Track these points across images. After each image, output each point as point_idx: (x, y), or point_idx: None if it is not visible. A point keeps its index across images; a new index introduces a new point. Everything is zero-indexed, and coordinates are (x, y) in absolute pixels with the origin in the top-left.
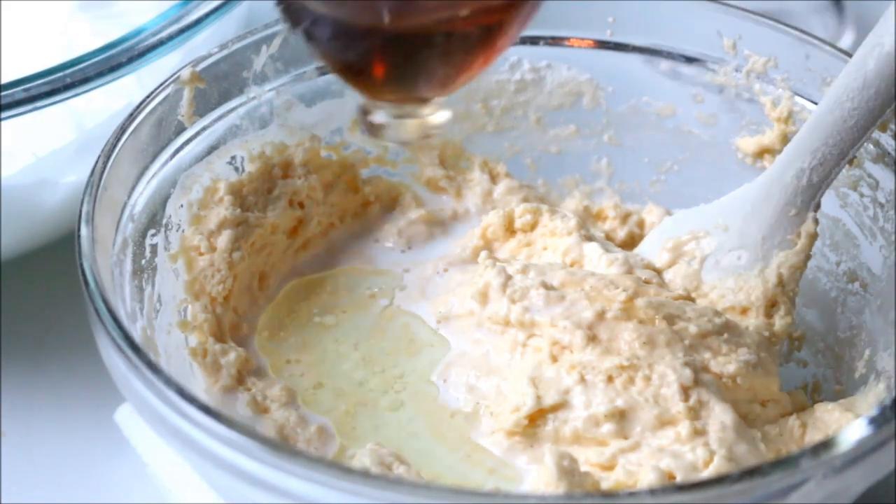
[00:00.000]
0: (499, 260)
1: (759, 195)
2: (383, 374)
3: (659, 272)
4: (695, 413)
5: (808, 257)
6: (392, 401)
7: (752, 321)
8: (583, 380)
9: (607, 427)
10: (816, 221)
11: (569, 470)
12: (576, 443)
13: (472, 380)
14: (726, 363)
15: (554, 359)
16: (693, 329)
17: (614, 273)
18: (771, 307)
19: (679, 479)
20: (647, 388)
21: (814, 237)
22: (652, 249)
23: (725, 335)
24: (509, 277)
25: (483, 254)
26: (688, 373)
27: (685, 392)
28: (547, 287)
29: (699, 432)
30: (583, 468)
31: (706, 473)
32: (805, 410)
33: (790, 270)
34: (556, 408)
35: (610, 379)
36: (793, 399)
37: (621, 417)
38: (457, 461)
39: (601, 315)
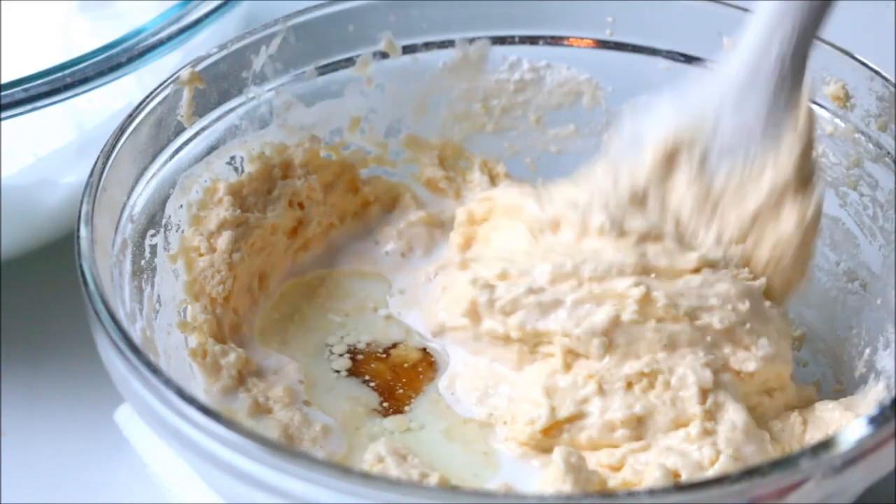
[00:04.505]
0: (469, 260)
1: (743, 87)
2: None
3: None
4: (710, 415)
5: (812, 139)
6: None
7: (787, 211)
8: (601, 389)
9: (622, 432)
10: (807, 103)
11: (576, 466)
12: (591, 449)
13: (480, 391)
14: (746, 360)
15: (568, 367)
16: (717, 325)
17: (607, 246)
18: (802, 186)
19: (684, 477)
20: (665, 392)
21: (812, 117)
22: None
23: (748, 325)
24: (492, 289)
25: (437, 268)
26: (708, 375)
27: (703, 395)
28: (535, 291)
29: (709, 432)
30: (592, 468)
31: (711, 472)
32: (808, 406)
33: (802, 151)
34: (571, 419)
35: (629, 385)
36: (801, 392)
37: (638, 423)
38: (468, 457)
39: (616, 320)
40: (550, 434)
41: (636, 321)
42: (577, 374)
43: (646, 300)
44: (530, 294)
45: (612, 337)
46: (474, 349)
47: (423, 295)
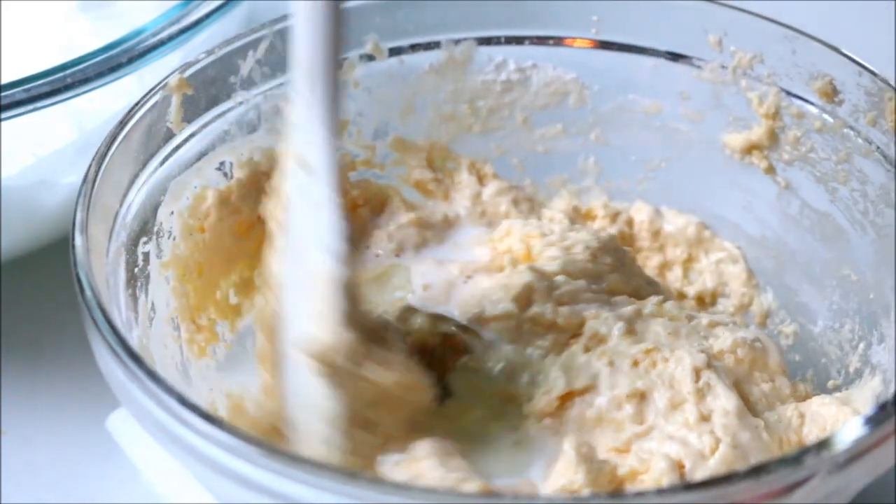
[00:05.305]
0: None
1: None
2: None
3: None
4: (701, 395)
5: None
6: None
7: None
8: (611, 364)
9: (627, 409)
10: None
11: (587, 456)
12: (597, 426)
13: (510, 369)
14: (725, 340)
15: (587, 349)
16: (705, 320)
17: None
18: None
19: (688, 466)
20: (665, 369)
21: None
22: None
23: (730, 325)
24: (552, 280)
25: (506, 258)
26: (701, 357)
27: (696, 374)
28: (593, 291)
29: (704, 417)
30: (602, 455)
31: (713, 461)
32: (804, 401)
33: None
34: (584, 391)
35: (636, 363)
36: (795, 387)
37: (640, 399)
38: (501, 440)
39: (639, 312)
40: (564, 405)
41: (653, 314)
42: (593, 354)
43: (660, 304)
44: (588, 291)
45: (632, 324)
46: (511, 338)
47: (457, 294)
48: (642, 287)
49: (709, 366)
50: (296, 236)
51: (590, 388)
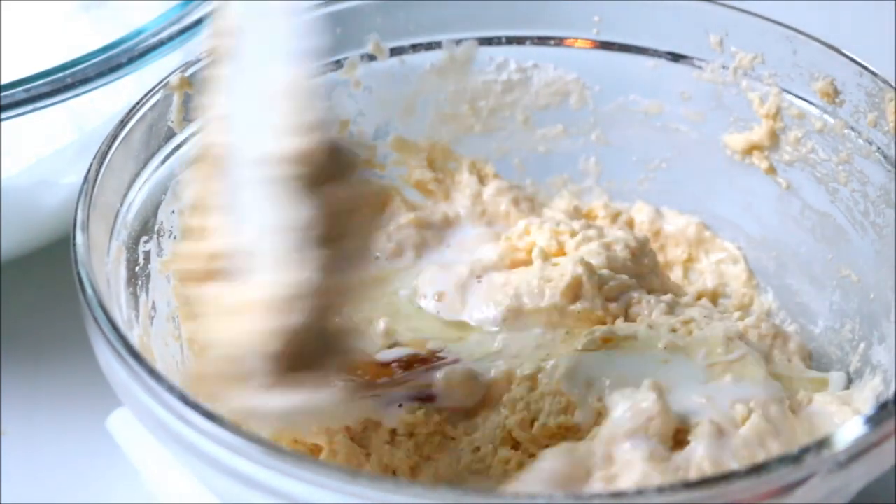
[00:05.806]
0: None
1: None
2: None
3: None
4: (732, 363)
5: None
6: None
7: None
8: (650, 327)
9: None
10: None
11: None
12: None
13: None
14: (750, 318)
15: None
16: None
17: None
18: None
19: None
20: (699, 335)
21: None
22: None
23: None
24: (598, 274)
25: (536, 253)
26: (735, 325)
27: (728, 341)
28: (639, 290)
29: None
30: None
31: (744, 430)
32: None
33: None
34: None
35: (674, 330)
36: (815, 380)
37: (675, 349)
38: None
39: (677, 301)
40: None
41: (689, 305)
42: (633, 323)
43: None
44: (632, 288)
45: (672, 308)
46: (548, 328)
47: (473, 294)
48: (672, 289)
49: (740, 336)
50: (249, 60)
51: (632, 337)
